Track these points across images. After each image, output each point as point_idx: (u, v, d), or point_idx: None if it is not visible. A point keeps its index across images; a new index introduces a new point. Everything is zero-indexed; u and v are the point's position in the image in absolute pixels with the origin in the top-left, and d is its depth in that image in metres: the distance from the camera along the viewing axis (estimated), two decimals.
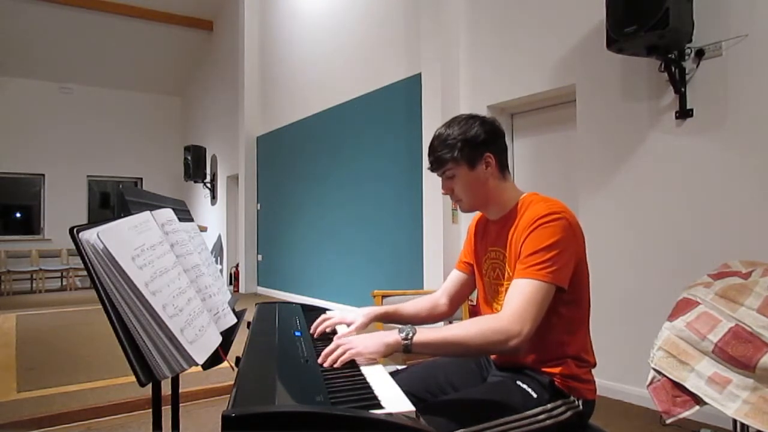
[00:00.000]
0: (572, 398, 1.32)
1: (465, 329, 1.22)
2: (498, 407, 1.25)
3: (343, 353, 1.16)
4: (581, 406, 1.33)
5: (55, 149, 10.31)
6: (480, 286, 1.55)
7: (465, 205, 1.45)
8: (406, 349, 1.20)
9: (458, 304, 1.64)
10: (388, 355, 1.22)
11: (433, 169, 1.44)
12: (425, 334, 1.21)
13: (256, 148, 8.39)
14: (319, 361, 1.16)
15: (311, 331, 1.41)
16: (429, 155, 1.43)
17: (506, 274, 1.40)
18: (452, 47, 4.32)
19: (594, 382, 1.38)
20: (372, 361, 1.19)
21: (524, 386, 1.31)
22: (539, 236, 1.26)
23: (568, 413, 1.31)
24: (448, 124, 1.41)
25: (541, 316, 1.22)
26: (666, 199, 2.93)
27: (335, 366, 1.15)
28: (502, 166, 1.43)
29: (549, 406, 1.29)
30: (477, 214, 1.58)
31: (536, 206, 1.33)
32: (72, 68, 10.15)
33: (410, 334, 1.20)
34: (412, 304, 1.61)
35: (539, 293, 1.22)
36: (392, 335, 1.21)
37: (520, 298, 1.22)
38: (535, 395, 1.29)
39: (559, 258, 1.25)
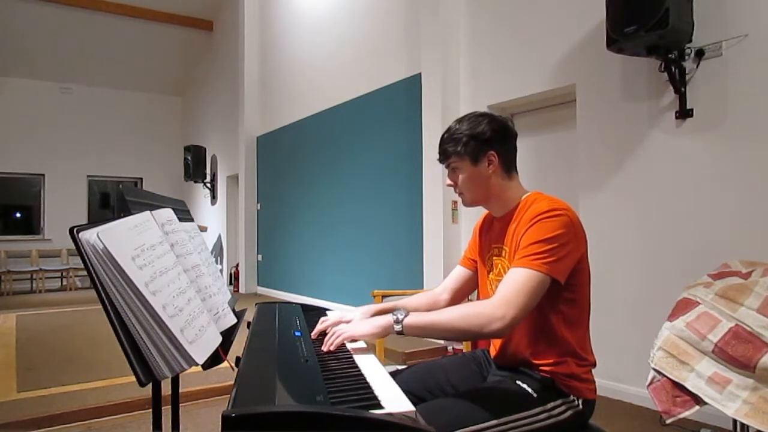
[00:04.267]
0: (572, 397, 1.32)
1: (452, 313, 1.26)
2: (498, 407, 1.25)
3: (337, 337, 1.28)
4: (581, 406, 1.33)
5: (55, 149, 10.30)
6: (483, 282, 1.56)
7: (466, 199, 1.49)
8: (398, 331, 1.26)
9: (459, 301, 1.65)
10: (382, 336, 1.28)
11: (440, 160, 1.50)
12: (416, 317, 1.28)
13: (256, 148, 8.39)
14: (323, 349, 1.26)
15: (312, 336, 1.41)
16: (438, 147, 1.49)
17: (507, 270, 1.40)
18: (452, 47, 4.32)
19: (594, 381, 1.38)
20: (364, 350, 1.27)
21: (524, 386, 1.31)
22: (539, 229, 1.28)
23: (568, 413, 1.31)
24: (460, 120, 1.47)
25: (532, 305, 1.23)
26: (666, 199, 2.93)
27: (331, 349, 1.25)
28: (508, 165, 1.46)
29: (549, 405, 1.29)
30: (484, 212, 1.60)
31: (539, 203, 1.35)
32: (72, 68, 10.15)
33: (402, 317, 1.27)
34: (410, 301, 1.64)
35: (531, 282, 1.23)
36: (385, 318, 1.30)
37: (510, 285, 1.23)
38: (535, 395, 1.29)
39: (557, 251, 1.25)
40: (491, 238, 1.52)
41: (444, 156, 1.47)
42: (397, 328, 1.26)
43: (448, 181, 1.50)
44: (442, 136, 1.48)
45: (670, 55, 2.77)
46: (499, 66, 3.99)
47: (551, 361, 1.33)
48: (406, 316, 1.27)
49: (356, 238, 5.80)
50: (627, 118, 3.12)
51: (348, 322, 1.43)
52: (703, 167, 2.78)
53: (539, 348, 1.35)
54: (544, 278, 1.24)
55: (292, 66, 7.35)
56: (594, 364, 1.39)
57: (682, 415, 1.67)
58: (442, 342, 4.23)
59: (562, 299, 1.32)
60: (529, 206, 1.37)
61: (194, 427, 2.80)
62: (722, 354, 1.64)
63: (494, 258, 1.49)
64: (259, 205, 8.37)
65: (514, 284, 1.23)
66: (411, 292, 2.40)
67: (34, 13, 8.85)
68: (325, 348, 1.27)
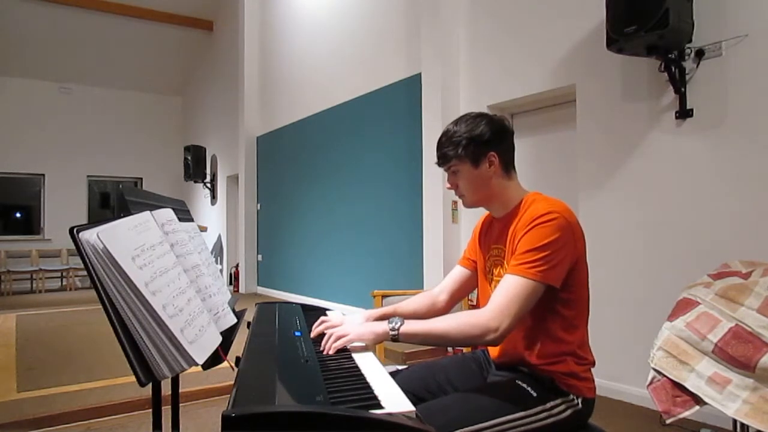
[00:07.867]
0: (572, 396, 1.32)
1: (448, 322, 1.28)
2: (498, 407, 1.25)
3: (337, 340, 1.27)
4: (580, 405, 1.33)
5: (55, 149, 10.30)
6: (482, 283, 1.56)
7: (468, 201, 1.48)
8: (394, 338, 1.29)
9: (457, 301, 1.66)
10: (377, 343, 1.31)
11: (439, 164, 1.48)
12: (411, 325, 1.30)
13: (256, 148, 8.39)
14: (322, 348, 1.27)
15: (312, 335, 1.40)
16: (437, 150, 1.47)
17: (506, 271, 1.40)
18: (452, 47, 4.32)
19: (593, 380, 1.38)
20: (363, 349, 1.29)
21: (524, 385, 1.31)
22: (535, 235, 1.28)
23: (568, 411, 1.31)
24: (457, 122, 1.45)
25: (524, 312, 1.25)
26: (666, 199, 2.93)
27: (331, 353, 1.25)
28: (507, 165, 1.46)
29: (549, 404, 1.29)
30: (484, 213, 1.59)
31: (537, 205, 1.35)
32: (72, 68, 10.15)
33: (398, 325, 1.29)
34: (410, 303, 1.63)
35: (525, 290, 1.24)
36: (382, 325, 1.31)
37: (504, 294, 1.25)
38: (534, 394, 1.29)
39: (552, 258, 1.25)
40: (491, 239, 1.51)
41: (443, 160, 1.45)
42: (393, 334, 1.28)
43: (448, 185, 1.49)
44: (440, 139, 1.46)
45: (670, 55, 2.77)
46: (499, 66, 3.99)
47: (550, 360, 1.33)
48: (401, 324, 1.29)
49: (356, 237, 5.80)
50: (627, 118, 3.12)
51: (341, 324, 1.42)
52: (703, 167, 2.78)
53: (538, 348, 1.35)
54: (537, 286, 1.25)
55: (292, 66, 7.35)
56: (593, 363, 1.39)
57: (682, 415, 1.67)
58: None
59: (558, 300, 1.32)
60: (528, 207, 1.37)
61: (194, 427, 2.80)
62: (722, 354, 1.64)
63: (494, 259, 1.49)
64: (259, 205, 8.37)
65: (508, 293, 1.24)
66: (411, 292, 2.41)
67: (33, 13, 8.85)
68: (324, 350, 1.26)
